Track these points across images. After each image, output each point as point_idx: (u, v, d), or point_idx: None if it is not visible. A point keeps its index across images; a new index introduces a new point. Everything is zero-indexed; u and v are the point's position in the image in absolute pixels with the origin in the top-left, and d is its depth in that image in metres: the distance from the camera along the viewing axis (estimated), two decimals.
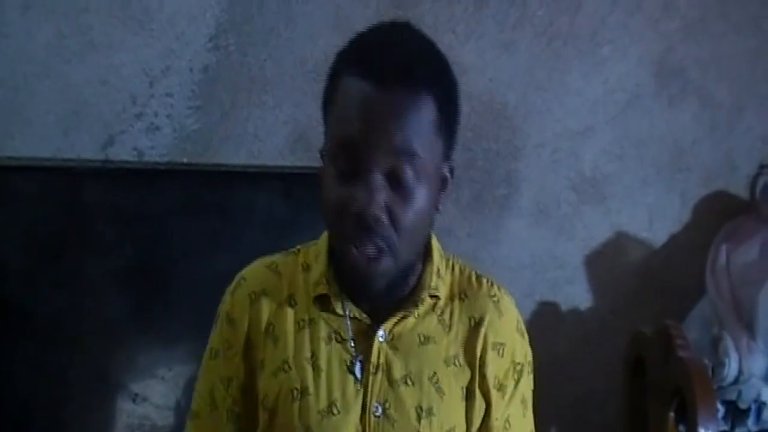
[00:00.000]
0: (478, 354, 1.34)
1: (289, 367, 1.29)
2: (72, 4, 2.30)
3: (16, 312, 2.16)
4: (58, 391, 2.17)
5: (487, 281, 1.41)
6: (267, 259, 1.38)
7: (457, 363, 1.33)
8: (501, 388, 1.35)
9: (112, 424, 2.22)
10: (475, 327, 1.35)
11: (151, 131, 2.36)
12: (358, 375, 1.29)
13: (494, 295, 1.39)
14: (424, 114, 1.22)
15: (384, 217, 1.21)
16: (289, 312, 1.33)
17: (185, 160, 2.37)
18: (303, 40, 2.42)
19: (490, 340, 1.35)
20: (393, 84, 1.20)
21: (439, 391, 1.30)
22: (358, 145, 1.20)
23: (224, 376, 1.34)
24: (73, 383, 2.18)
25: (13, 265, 2.16)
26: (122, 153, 2.34)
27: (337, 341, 1.31)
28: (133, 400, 2.21)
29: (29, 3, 2.28)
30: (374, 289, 1.28)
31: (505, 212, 2.64)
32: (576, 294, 2.72)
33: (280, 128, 2.43)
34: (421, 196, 1.24)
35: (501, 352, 1.35)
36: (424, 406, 1.29)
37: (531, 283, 2.68)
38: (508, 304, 1.41)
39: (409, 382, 1.30)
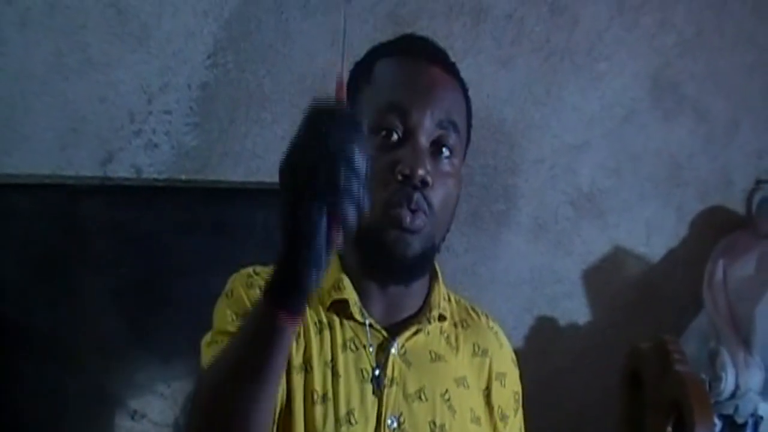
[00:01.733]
0: (485, 383, 1.35)
1: (311, 368, 1.24)
2: (70, 21, 2.30)
3: (12, 328, 2.15)
4: (55, 408, 2.16)
5: (483, 314, 1.43)
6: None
7: (465, 384, 1.33)
8: (503, 418, 1.36)
9: None
10: (480, 356, 1.36)
11: (149, 148, 2.36)
12: (378, 385, 1.27)
13: (492, 327, 1.41)
14: (461, 97, 1.33)
15: (430, 181, 1.23)
16: (308, 312, 1.27)
17: (184, 177, 2.37)
18: (301, 57, 2.43)
19: (495, 370, 1.36)
20: (436, 61, 1.31)
21: (451, 409, 1.29)
22: (407, 110, 1.25)
23: (251, 301, 1.25)
24: (71, 400, 2.17)
25: (11, 281, 2.16)
26: (120, 170, 2.34)
27: (352, 350, 1.28)
28: (132, 417, 2.21)
29: (27, 20, 2.28)
30: (408, 260, 1.24)
31: (503, 227, 2.64)
32: (574, 308, 2.72)
33: (279, 145, 2.43)
34: (454, 178, 1.28)
35: (503, 382, 1.37)
36: (438, 423, 1.28)
37: (529, 298, 2.68)
38: (504, 336, 1.43)
39: (423, 398, 1.28)
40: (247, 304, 1.25)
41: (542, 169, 2.65)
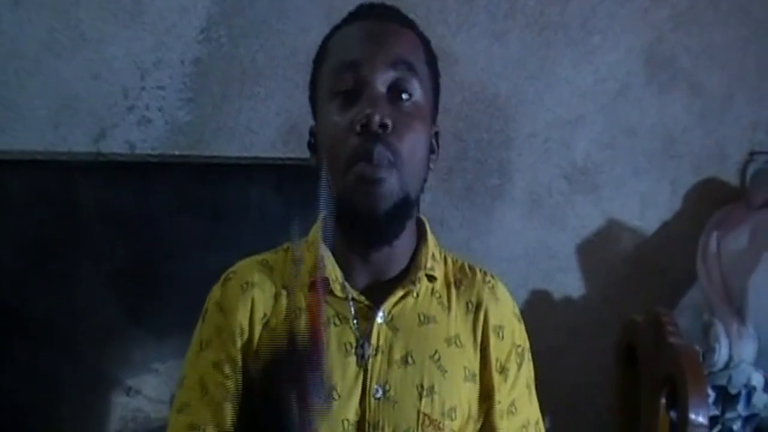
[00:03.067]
0: (480, 337, 1.34)
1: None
2: None
3: (6, 309, 2.15)
4: (51, 387, 2.17)
5: (480, 270, 1.42)
6: (256, 257, 1.36)
7: (458, 343, 1.32)
8: (503, 371, 1.35)
9: (107, 417, 2.22)
10: (474, 311, 1.35)
11: (143, 124, 2.35)
12: (363, 356, 1.27)
13: (489, 282, 1.40)
14: (417, 43, 1.33)
15: (389, 124, 1.22)
16: (284, 303, 1.28)
17: (177, 153, 2.37)
18: (294, 32, 2.42)
19: (491, 323, 1.35)
20: (386, 17, 1.32)
21: (441, 369, 1.29)
22: (360, 64, 1.25)
23: (219, 361, 1.26)
24: (67, 378, 2.18)
25: (4, 260, 2.16)
26: (114, 146, 2.34)
27: (336, 324, 1.28)
28: (127, 393, 2.22)
29: None
30: (380, 213, 1.24)
31: (497, 202, 2.64)
32: (568, 283, 2.73)
33: (273, 120, 2.43)
34: (419, 120, 1.28)
35: (501, 334, 1.36)
36: (426, 385, 1.27)
37: (524, 273, 2.69)
38: (504, 291, 1.42)
39: (410, 361, 1.28)
40: (220, 336, 1.29)
41: (536, 143, 2.65)
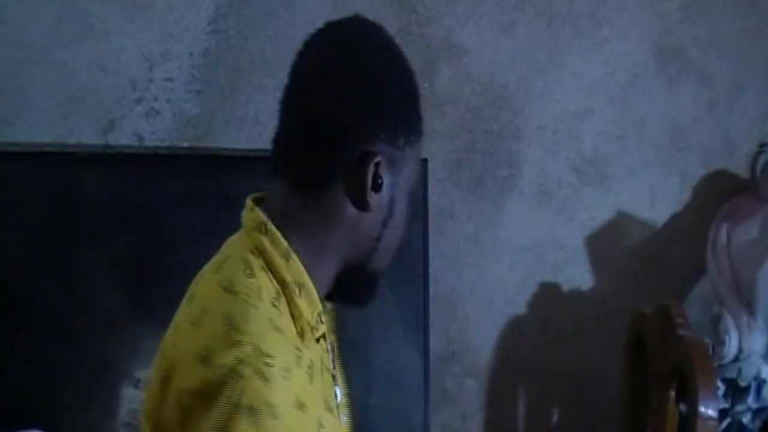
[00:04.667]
0: None
1: (322, 426, 1.12)
2: None
3: (14, 300, 2.15)
4: (59, 379, 2.17)
5: None
6: (264, 320, 1.05)
7: None
8: None
9: (115, 410, 2.22)
10: None
11: (151, 116, 2.36)
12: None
13: None
14: None
15: None
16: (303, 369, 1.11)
17: (185, 145, 2.37)
18: (302, 23, 2.41)
19: None
20: None
21: None
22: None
23: None
24: (74, 371, 2.18)
25: (11, 251, 2.16)
26: (122, 138, 2.34)
27: (326, 371, 1.22)
28: (135, 386, 2.22)
29: None
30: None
31: (505, 194, 2.64)
32: (577, 275, 2.72)
33: None
34: None
35: None
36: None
37: (532, 265, 2.68)
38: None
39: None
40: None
41: (545, 135, 2.64)
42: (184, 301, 1.12)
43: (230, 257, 1.12)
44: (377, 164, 1.10)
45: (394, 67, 1.15)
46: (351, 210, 1.12)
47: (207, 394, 0.97)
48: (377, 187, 1.11)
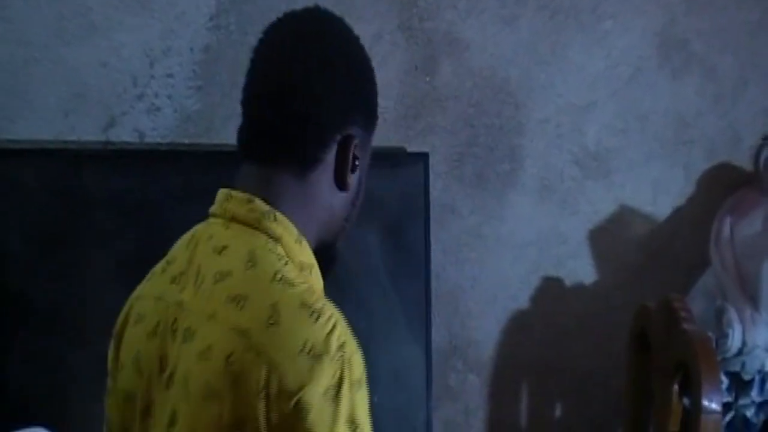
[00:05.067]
0: None
1: None
2: None
3: (15, 297, 2.15)
4: (61, 375, 2.17)
5: None
6: (322, 298, 1.13)
7: None
8: None
9: None
10: None
11: (152, 112, 2.35)
12: None
13: None
14: None
15: None
16: None
17: (187, 141, 2.36)
18: None
19: None
20: None
21: None
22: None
23: None
24: (76, 370, 2.17)
25: (13, 249, 2.16)
26: (123, 135, 2.34)
27: None
28: None
29: None
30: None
31: (508, 188, 2.63)
32: (580, 269, 2.72)
33: None
34: None
35: None
36: None
37: (535, 259, 2.68)
38: None
39: None
40: None
41: (548, 128, 2.64)
42: (226, 304, 1.10)
43: (257, 249, 1.14)
44: (355, 146, 1.20)
45: (364, 58, 1.26)
46: (332, 191, 1.21)
47: (330, 388, 1.02)
48: (354, 168, 1.21)
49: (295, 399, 1.00)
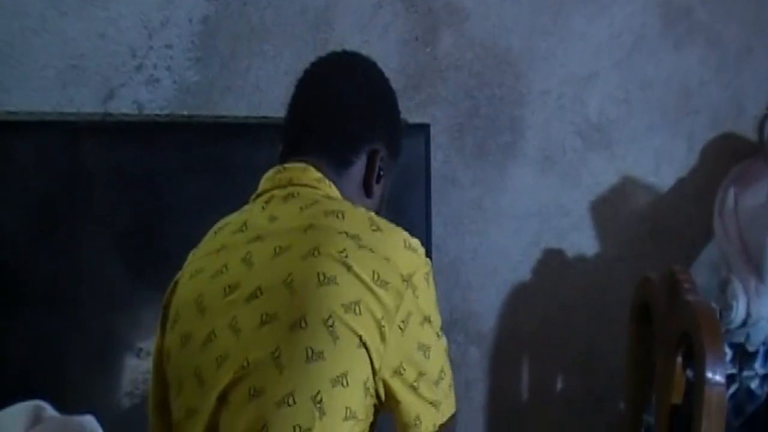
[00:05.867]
0: None
1: None
2: None
3: (13, 272, 2.14)
4: (60, 350, 2.16)
5: None
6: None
7: None
8: None
9: (117, 380, 2.22)
10: None
11: (150, 84, 2.33)
12: None
13: None
14: None
15: None
16: None
17: (185, 113, 2.35)
18: None
19: None
20: None
21: None
22: None
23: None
24: (76, 342, 2.17)
25: (11, 222, 2.14)
26: (122, 106, 2.32)
27: None
28: (138, 355, 2.21)
29: None
30: None
31: (509, 160, 2.62)
32: (582, 241, 2.71)
33: (281, 78, 2.40)
34: None
35: None
36: None
37: (537, 231, 2.67)
38: None
39: None
40: None
41: (549, 99, 2.62)
42: (325, 217, 1.28)
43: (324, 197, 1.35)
44: (381, 159, 1.42)
45: (389, 90, 1.50)
46: (360, 194, 1.41)
47: (427, 273, 1.29)
48: (378, 179, 1.42)
49: (407, 283, 1.24)
